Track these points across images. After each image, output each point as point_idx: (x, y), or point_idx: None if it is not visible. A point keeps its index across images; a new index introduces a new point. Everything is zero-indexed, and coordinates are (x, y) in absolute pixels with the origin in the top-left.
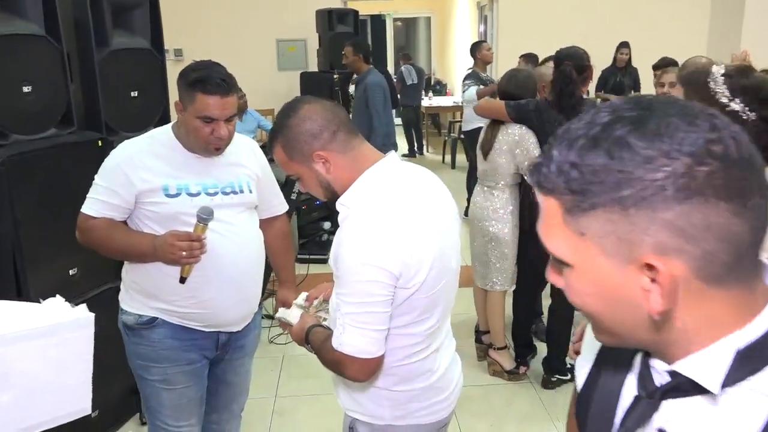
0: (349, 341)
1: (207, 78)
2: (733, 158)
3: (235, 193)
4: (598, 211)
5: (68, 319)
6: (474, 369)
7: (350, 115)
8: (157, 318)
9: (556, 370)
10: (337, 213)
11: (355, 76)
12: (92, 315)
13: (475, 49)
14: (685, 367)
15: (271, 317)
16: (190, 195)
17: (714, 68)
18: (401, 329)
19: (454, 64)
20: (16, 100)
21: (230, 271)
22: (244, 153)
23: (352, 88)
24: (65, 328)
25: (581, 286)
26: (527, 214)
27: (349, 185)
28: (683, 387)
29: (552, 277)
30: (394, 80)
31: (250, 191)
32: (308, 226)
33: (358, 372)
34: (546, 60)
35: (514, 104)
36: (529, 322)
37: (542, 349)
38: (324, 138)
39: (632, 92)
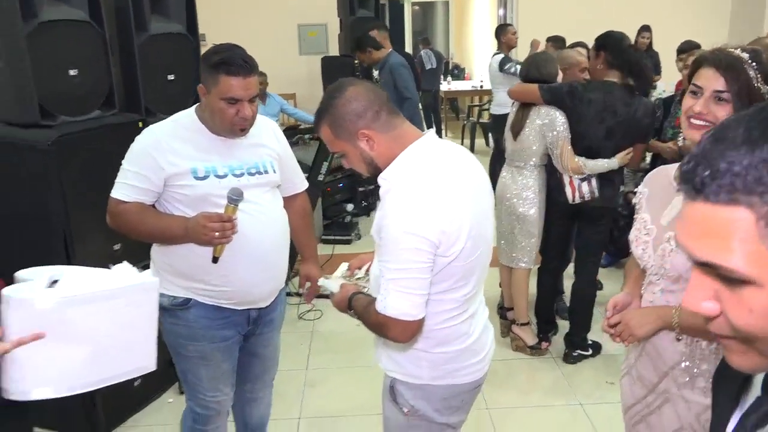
0: (392, 304)
1: (229, 59)
2: None
3: (260, 173)
4: None
5: (136, 283)
6: (498, 344)
7: None
8: (191, 299)
9: (578, 345)
10: (366, 194)
11: None
12: (157, 279)
13: (500, 32)
14: None
15: (299, 294)
16: (218, 177)
17: (743, 55)
18: (440, 295)
19: (472, 49)
20: (64, 83)
21: (258, 249)
22: (266, 134)
23: (375, 73)
24: (133, 290)
25: None
26: (554, 194)
27: (391, 161)
28: None
29: (700, 304)
30: None
31: (274, 171)
32: (332, 208)
33: (400, 334)
34: (573, 45)
35: (547, 87)
36: (551, 300)
37: (563, 326)
38: (368, 117)
39: (653, 76)
